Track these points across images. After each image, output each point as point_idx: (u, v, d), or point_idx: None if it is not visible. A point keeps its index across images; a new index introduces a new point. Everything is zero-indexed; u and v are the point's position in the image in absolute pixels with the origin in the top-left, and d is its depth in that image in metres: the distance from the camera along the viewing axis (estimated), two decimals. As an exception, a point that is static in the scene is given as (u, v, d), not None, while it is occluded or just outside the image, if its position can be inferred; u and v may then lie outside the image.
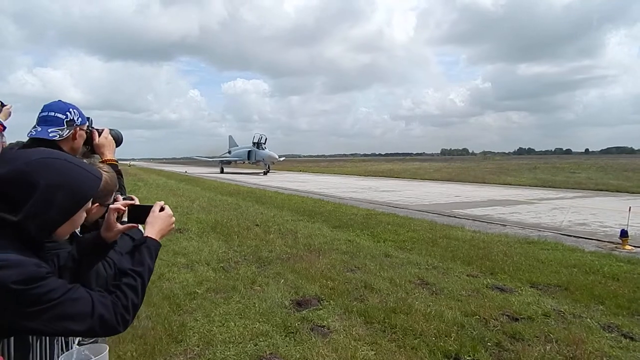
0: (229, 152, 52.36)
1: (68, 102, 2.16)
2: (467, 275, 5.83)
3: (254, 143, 44.75)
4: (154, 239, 1.47)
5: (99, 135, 2.33)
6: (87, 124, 2.28)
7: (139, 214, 1.56)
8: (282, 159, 48.14)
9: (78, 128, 2.11)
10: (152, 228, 1.50)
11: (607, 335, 3.97)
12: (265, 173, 40.87)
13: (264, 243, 7.79)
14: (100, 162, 2.35)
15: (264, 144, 44.14)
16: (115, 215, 1.55)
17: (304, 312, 4.53)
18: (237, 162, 49.06)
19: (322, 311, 4.55)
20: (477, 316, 4.34)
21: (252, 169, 48.84)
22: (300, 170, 48.29)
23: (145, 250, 1.41)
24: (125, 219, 1.60)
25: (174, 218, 1.59)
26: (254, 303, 4.74)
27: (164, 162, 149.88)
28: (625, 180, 23.54)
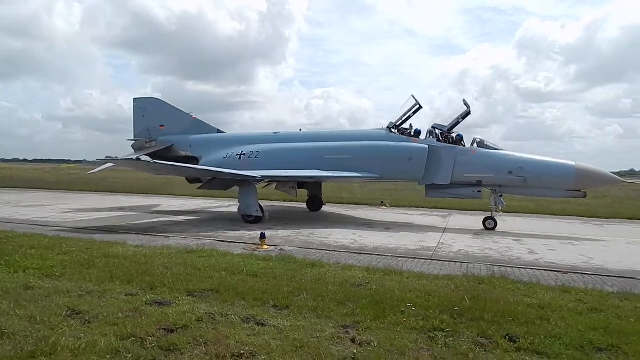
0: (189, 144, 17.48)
1: None
2: (126, 295, 5.61)
3: (416, 131, 14.12)
4: None
5: None
6: None
7: None
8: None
9: None
10: None
11: (246, 326, 4.70)
12: (492, 223, 13.13)
13: None
14: None
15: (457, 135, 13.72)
16: None
17: None
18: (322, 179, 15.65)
19: None
20: (133, 337, 4.22)
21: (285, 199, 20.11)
22: None
23: None
24: None
25: None
26: None
27: None
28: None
